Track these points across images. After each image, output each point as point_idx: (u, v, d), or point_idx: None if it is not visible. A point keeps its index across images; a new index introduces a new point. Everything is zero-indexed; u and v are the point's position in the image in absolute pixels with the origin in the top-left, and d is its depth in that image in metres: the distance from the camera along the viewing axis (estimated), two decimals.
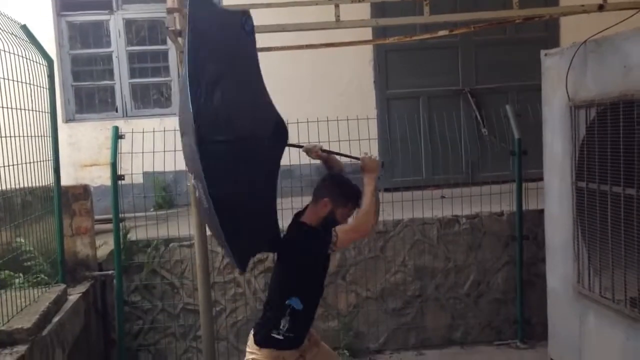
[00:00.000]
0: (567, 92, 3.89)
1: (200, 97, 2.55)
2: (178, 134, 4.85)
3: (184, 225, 5.13)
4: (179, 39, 4.06)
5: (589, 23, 3.71)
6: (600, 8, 3.43)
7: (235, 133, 2.66)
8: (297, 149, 3.28)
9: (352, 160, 3.26)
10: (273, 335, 2.97)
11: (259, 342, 3.02)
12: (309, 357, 3.12)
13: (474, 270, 5.34)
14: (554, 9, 4.55)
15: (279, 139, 2.96)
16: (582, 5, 3.48)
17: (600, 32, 3.60)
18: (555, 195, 4.35)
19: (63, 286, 4.30)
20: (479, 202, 5.36)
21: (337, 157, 3.40)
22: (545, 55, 4.33)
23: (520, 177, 5.22)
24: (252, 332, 3.12)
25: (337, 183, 3.14)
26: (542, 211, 4.74)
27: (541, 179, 4.63)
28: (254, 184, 2.77)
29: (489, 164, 6.92)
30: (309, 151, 3.28)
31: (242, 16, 2.95)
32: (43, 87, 4.38)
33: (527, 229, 5.26)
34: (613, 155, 3.50)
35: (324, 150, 3.30)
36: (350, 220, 3.12)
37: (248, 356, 3.05)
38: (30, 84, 4.03)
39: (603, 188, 3.65)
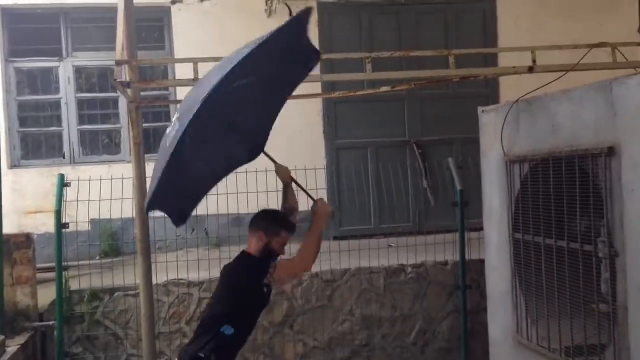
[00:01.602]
0: (503, 148, 4.09)
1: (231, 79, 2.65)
2: (127, 181, 4.90)
3: (130, 274, 5.06)
4: (128, 90, 4.12)
5: (526, 80, 3.94)
6: (531, 70, 3.67)
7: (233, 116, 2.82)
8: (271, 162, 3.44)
9: (309, 202, 3.37)
10: (199, 355, 2.99)
11: None
12: None
13: (420, 319, 5.42)
14: (488, 70, 4.82)
15: (250, 154, 3.19)
16: (514, 67, 3.71)
17: (531, 92, 3.83)
18: (495, 246, 4.51)
19: (1, 338, 4.19)
20: (424, 251, 5.48)
21: (294, 196, 3.56)
22: (483, 112, 4.56)
23: (462, 228, 5.38)
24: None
25: (269, 215, 3.28)
26: (484, 261, 4.89)
27: (483, 229, 4.80)
28: (210, 161, 2.96)
29: (434, 214, 7.11)
30: (280, 171, 3.43)
31: (314, 55, 3.12)
32: None
33: (471, 278, 5.39)
34: (545, 209, 3.69)
35: (292, 178, 3.46)
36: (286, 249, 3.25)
37: None
38: None
39: (537, 240, 3.81)
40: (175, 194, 2.93)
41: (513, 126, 4.05)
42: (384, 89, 4.03)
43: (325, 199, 6.72)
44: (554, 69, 3.72)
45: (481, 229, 4.89)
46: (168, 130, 2.90)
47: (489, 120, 4.45)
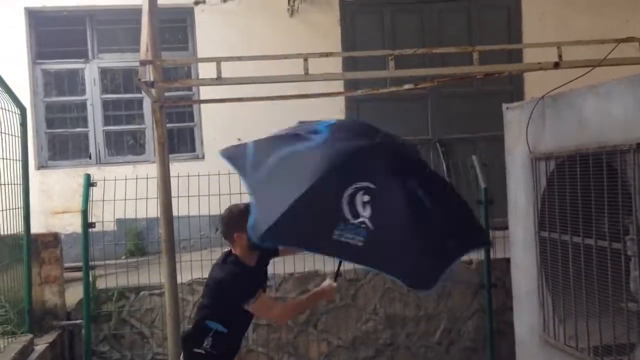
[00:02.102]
0: (528, 145, 4.05)
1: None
2: (151, 180, 4.95)
3: (155, 273, 5.09)
4: (152, 90, 4.15)
5: (551, 76, 3.88)
6: (556, 66, 3.60)
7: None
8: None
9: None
10: (195, 351, 3.03)
11: (184, 354, 3.16)
12: None
13: (445, 318, 5.39)
14: (513, 66, 4.75)
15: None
16: (539, 63, 3.65)
17: (557, 88, 3.78)
18: (520, 245, 4.46)
19: (30, 336, 4.25)
20: None
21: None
22: (507, 109, 4.51)
23: (487, 226, 5.32)
24: None
25: (233, 214, 3.20)
26: (509, 260, 4.84)
27: (508, 227, 4.75)
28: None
29: None
30: (329, 291, 3.40)
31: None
32: (15, 135, 4.41)
33: (496, 277, 5.34)
34: (572, 206, 3.63)
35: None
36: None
37: None
38: (2, 132, 4.07)
39: (564, 238, 3.76)
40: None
41: (538, 123, 4.00)
42: (406, 86, 3.99)
43: None
44: (580, 65, 3.65)
45: (506, 227, 4.84)
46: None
47: (514, 117, 4.40)
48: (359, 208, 2.44)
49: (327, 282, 3.33)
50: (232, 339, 3.13)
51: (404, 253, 2.52)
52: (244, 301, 3.00)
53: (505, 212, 4.77)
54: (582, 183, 3.52)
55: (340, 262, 3.37)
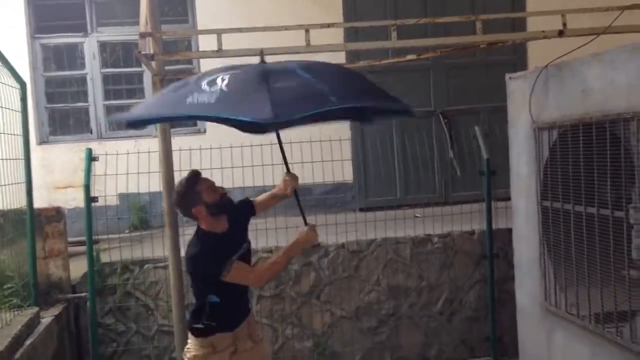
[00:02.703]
0: (531, 115, 4.03)
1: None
2: (153, 155, 4.95)
3: (159, 247, 5.13)
4: (152, 63, 4.13)
5: (555, 46, 3.85)
6: (560, 34, 3.58)
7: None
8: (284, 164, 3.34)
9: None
10: (195, 326, 3.03)
11: (191, 334, 3.09)
12: (241, 348, 3.10)
13: (447, 288, 5.42)
14: (516, 34, 4.70)
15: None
16: (543, 31, 3.62)
17: (561, 57, 3.74)
18: (522, 215, 4.47)
19: (36, 309, 4.29)
20: (450, 221, 5.46)
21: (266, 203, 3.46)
22: (510, 78, 4.48)
23: (489, 197, 5.33)
24: None
25: (180, 193, 3.06)
26: (511, 230, 4.86)
27: (510, 198, 4.75)
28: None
29: (460, 184, 7.07)
30: (286, 182, 3.30)
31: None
32: (16, 110, 4.40)
33: (498, 247, 5.37)
34: (574, 176, 3.63)
35: (294, 192, 3.32)
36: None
37: (185, 357, 3.10)
38: (2, 107, 4.05)
39: (566, 207, 3.77)
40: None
41: (541, 92, 3.98)
42: (409, 57, 3.97)
43: (350, 171, 6.85)
44: (584, 33, 3.62)
45: (508, 198, 4.85)
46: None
47: (517, 87, 4.37)
48: (218, 81, 2.58)
49: (302, 230, 3.14)
50: (229, 307, 3.06)
51: (256, 95, 2.54)
52: (218, 275, 2.90)
53: (508, 182, 4.77)
54: (585, 152, 3.51)
55: (300, 206, 3.28)
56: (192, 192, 2.98)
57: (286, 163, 3.31)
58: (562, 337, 4.01)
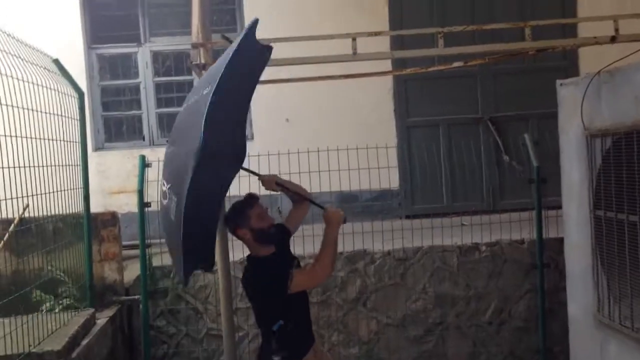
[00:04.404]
0: (583, 121, 3.95)
1: (213, 109, 2.62)
2: None
3: None
4: (203, 72, 4.23)
5: (607, 51, 3.77)
6: (613, 40, 3.51)
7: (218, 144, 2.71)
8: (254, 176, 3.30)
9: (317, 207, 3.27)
10: (274, 358, 3.03)
11: None
12: None
13: (495, 298, 5.35)
14: (567, 41, 4.61)
15: (239, 160, 2.99)
16: (595, 37, 3.55)
17: (614, 62, 3.67)
18: (574, 224, 4.37)
19: (91, 310, 4.44)
20: (499, 229, 5.39)
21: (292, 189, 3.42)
22: (561, 85, 4.40)
23: (539, 205, 5.24)
24: None
25: (228, 214, 3.16)
26: (562, 239, 4.76)
27: (561, 206, 4.66)
28: (215, 198, 2.87)
29: (509, 192, 6.97)
30: (264, 182, 3.27)
31: (267, 50, 3.06)
32: (74, 119, 4.58)
33: (548, 256, 5.26)
34: (629, 184, 3.54)
35: (279, 184, 3.28)
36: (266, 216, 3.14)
37: None
38: (62, 115, 4.22)
39: (620, 217, 3.67)
40: (203, 247, 2.92)
41: (594, 99, 3.90)
42: (456, 64, 3.95)
43: (396, 178, 6.84)
44: (638, 38, 3.53)
45: (558, 206, 4.75)
46: (164, 201, 2.93)
47: (568, 93, 4.29)
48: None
49: (328, 211, 3.15)
50: (295, 329, 3.09)
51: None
52: (284, 289, 2.96)
53: (558, 191, 4.68)
54: None
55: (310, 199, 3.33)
56: (242, 214, 3.09)
57: (251, 172, 3.28)
58: (615, 349, 3.91)
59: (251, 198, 3.14)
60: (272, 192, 3.40)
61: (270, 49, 3.07)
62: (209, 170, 2.65)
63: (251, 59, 2.93)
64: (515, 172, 6.89)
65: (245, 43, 2.84)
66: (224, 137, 2.78)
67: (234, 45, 2.87)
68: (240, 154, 2.95)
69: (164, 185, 2.97)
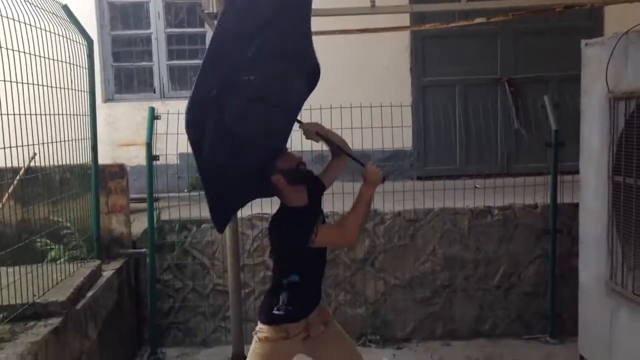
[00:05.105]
0: (607, 84, 3.79)
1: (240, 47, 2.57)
2: None
3: None
4: (215, 22, 4.10)
5: (634, 12, 3.61)
6: None
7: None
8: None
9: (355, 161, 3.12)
10: (274, 312, 2.98)
11: (264, 321, 3.04)
12: (314, 333, 3.05)
13: (505, 262, 5.28)
14: None
15: (310, 83, 2.98)
16: None
17: None
18: (591, 189, 4.26)
19: (98, 262, 4.42)
20: (512, 193, 5.28)
21: (335, 168, 3.30)
22: (586, 45, 4.22)
23: (555, 170, 5.12)
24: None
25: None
26: (577, 205, 4.65)
27: (577, 172, 4.54)
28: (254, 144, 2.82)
29: (524, 155, 6.84)
30: (306, 131, 3.12)
31: None
32: (83, 67, 4.47)
33: (561, 222, 5.17)
34: None
35: (320, 135, 3.12)
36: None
37: (255, 336, 3.07)
38: (70, 63, 4.12)
39: None
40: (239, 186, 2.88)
41: (620, 60, 3.73)
42: (477, 20, 3.79)
43: (410, 138, 6.71)
44: None
45: (576, 171, 4.63)
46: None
47: (593, 54, 4.12)
48: None
49: (368, 169, 2.98)
50: (307, 289, 3.04)
51: None
52: (307, 239, 2.87)
53: (575, 156, 4.54)
54: None
55: (345, 151, 3.20)
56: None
57: (297, 121, 3.15)
58: (626, 317, 3.84)
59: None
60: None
61: None
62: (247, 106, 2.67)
63: None
64: (524, 139, 6.77)
65: None
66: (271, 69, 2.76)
67: None
68: (311, 76, 3.00)
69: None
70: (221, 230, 3.17)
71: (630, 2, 3.43)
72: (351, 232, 2.94)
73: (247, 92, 2.73)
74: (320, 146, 3.23)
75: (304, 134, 3.12)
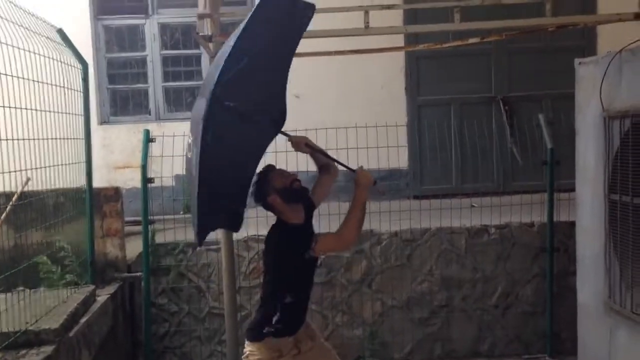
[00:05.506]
0: (601, 102, 3.80)
1: (232, 62, 2.59)
2: None
3: None
4: (209, 44, 4.11)
5: (627, 31, 3.62)
6: (637, 17, 3.35)
7: (240, 103, 2.70)
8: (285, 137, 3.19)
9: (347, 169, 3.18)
10: (265, 331, 3.00)
11: (253, 338, 3.05)
12: (304, 349, 3.10)
13: (503, 281, 5.25)
14: (589, 17, 4.45)
15: (275, 125, 2.99)
16: (618, 14, 3.40)
17: (636, 41, 3.51)
18: (588, 207, 4.25)
19: (92, 287, 4.37)
20: (509, 212, 5.27)
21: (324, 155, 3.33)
22: (580, 64, 4.25)
23: (552, 188, 5.11)
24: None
25: (254, 190, 3.07)
26: (573, 223, 4.64)
27: (573, 189, 4.54)
28: (239, 160, 2.84)
29: (520, 173, 6.83)
30: (294, 143, 3.15)
31: (309, 10, 2.93)
32: (77, 91, 4.47)
33: (558, 240, 5.15)
34: None
35: (309, 145, 3.16)
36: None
37: (246, 353, 3.06)
38: (65, 87, 4.12)
39: (636, 201, 3.55)
40: (221, 205, 2.86)
41: (614, 79, 3.75)
42: (472, 40, 3.81)
43: (406, 158, 6.71)
44: None
45: (572, 189, 4.63)
46: (188, 154, 2.84)
47: (587, 73, 4.14)
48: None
49: (358, 173, 3.05)
50: (297, 307, 3.09)
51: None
52: (307, 250, 2.92)
53: (571, 174, 4.55)
54: None
55: (331, 158, 3.25)
56: (264, 180, 3.01)
57: (282, 133, 3.14)
58: (625, 337, 3.81)
59: (268, 166, 3.08)
60: None
61: (312, 7, 2.92)
62: (227, 126, 2.66)
63: (284, 12, 2.82)
64: (519, 158, 6.79)
65: None
66: (250, 95, 2.75)
67: None
68: (278, 119, 2.96)
69: (189, 137, 2.88)
70: (199, 242, 3.08)
71: (623, 21, 3.45)
72: (349, 236, 3.01)
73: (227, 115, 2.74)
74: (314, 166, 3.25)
75: (293, 145, 3.15)
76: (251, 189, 3.07)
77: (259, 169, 3.04)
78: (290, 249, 2.98)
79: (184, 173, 3.00)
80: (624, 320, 3.79)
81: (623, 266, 3.79)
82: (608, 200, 3.91)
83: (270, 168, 3.07)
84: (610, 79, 3.76)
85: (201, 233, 2.82)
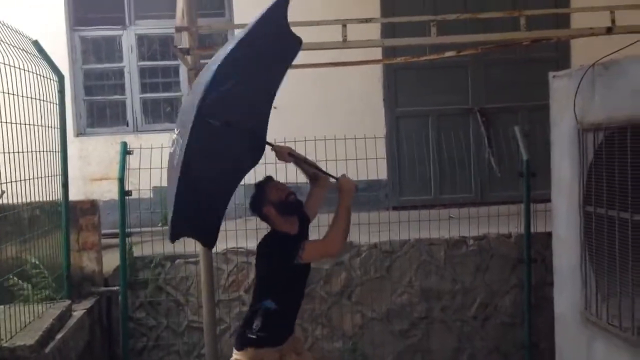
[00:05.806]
0: (575, 115, 3.86)
1: (220, 77, 2.62)
2: None
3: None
4: (187, 57, 4.11)
5: (600, 44, 3.69)
6: (609, 31, 3.42)
7: (225, 117, 2.76)
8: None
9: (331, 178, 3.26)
10: (247, 335, 3.02)
11: (238, 346, 3.08)
12: None
13: (482, 292, 5.28)
14: (562, 31, 4.52)
15: (254, 149, 3.06)
16: (591, 28, 3.47)
17: (609, 55, 3.58)
18: (563, 219, 4.30)
19: (68, 302, 4.31)
20: (486, 222, 5.31)
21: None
22: (553, 77, 4.31)
23: (528, 199, 5.17)
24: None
25: (251, 201, 3.17)
26: (550, 234, 4.68)
27: (550, 200, 4.59)
28: (219, 173, 2.93)
29: (497, 184, 6.89)
30: (278, 152, 3.20)
31: (297, 43, 3.09)
32: (53, 103, 4.43)
33: (536, 251, 5.20)
34: (621, 181, 3.46)
35: (292, 155, 3.21)
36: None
37: None
38: (40, 99, 4.08)
39: (611, 213, 3.60)
40: (196, 215, 2.91)
41: (587, 92, 3.80)
42: (448, 53, 3.85)
43: (384, 169, 6.74)
44: (635, 30, 3.45)
45: (546, 200, 4.68)
46: (172, 149, 2.87)
47: (561, 86, 4.20)
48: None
49: (340, 181, 3.12)
50: (282, 316, 3.07)
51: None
52: (295, 256, 2.95)
53: (548, 185, 4.60)
54: (633, 155, 3.34)
55: (316, 167, 3.31)
56: (260, 192, 3.10)
57: (270, 144, 3.20)
58: (602, 348, 3.85)
59: (266, 178, 3.18)
60: None
61: (299, 42, 3.08)
62: (210, 139, 2.71)
63: (274, 39, 2.91)
64: (495, 169, 6.87)
65: (269, 18, 2.81)
66: (236, 115, 2.78)
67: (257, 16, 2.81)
68: (257, 145, 3.03)
69: (174, 133, 2.92)
70: (173, 240, 3.10)
71: (596, 35, 3.52)
72: (336, 242, 3.06)
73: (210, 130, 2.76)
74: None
75: (277, 155, 3.20)
76: (250, 201, 3.17)
77: (258, 177, 3.14)
78: (279, 256, 3.02)
79: (162, 185, 3.02)
80: (600, 332, 3.83)
81: (599, 277, 3.84)
82: (583, 212, 3.95)
83: (266, 179, 3.15)
84: (583, 92, 3.82)
85: (174, 234, 2.91)
